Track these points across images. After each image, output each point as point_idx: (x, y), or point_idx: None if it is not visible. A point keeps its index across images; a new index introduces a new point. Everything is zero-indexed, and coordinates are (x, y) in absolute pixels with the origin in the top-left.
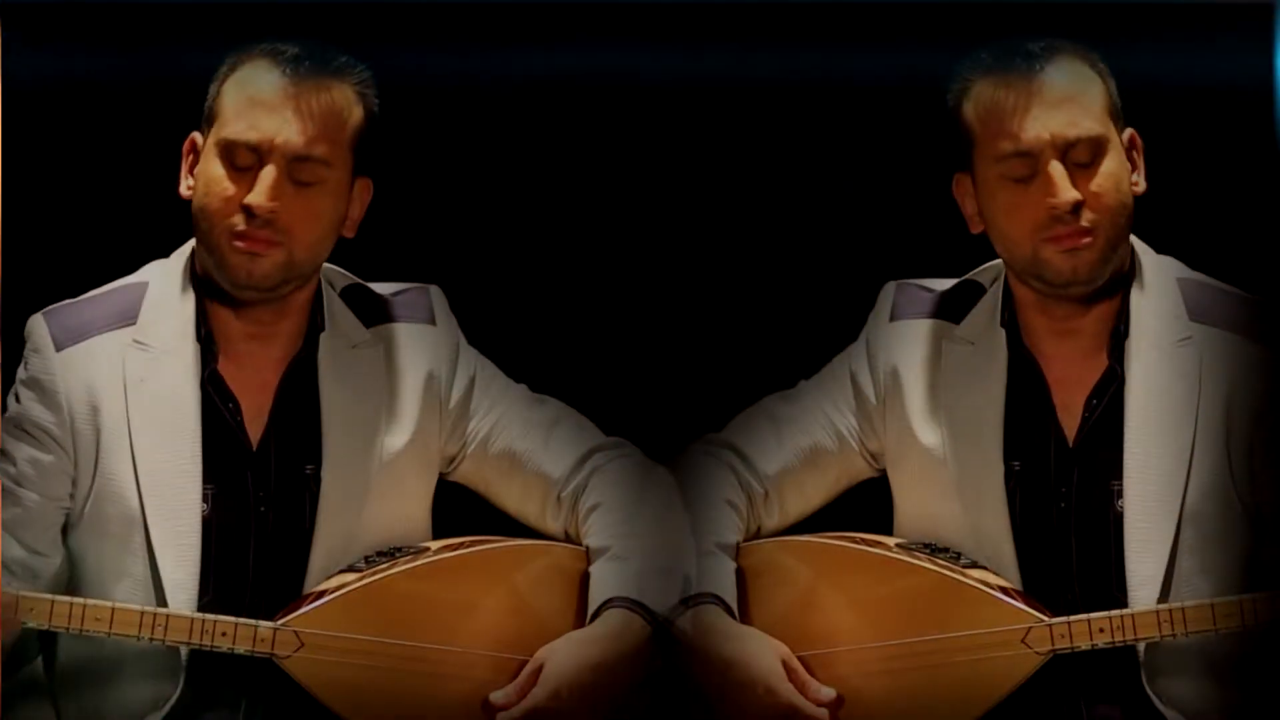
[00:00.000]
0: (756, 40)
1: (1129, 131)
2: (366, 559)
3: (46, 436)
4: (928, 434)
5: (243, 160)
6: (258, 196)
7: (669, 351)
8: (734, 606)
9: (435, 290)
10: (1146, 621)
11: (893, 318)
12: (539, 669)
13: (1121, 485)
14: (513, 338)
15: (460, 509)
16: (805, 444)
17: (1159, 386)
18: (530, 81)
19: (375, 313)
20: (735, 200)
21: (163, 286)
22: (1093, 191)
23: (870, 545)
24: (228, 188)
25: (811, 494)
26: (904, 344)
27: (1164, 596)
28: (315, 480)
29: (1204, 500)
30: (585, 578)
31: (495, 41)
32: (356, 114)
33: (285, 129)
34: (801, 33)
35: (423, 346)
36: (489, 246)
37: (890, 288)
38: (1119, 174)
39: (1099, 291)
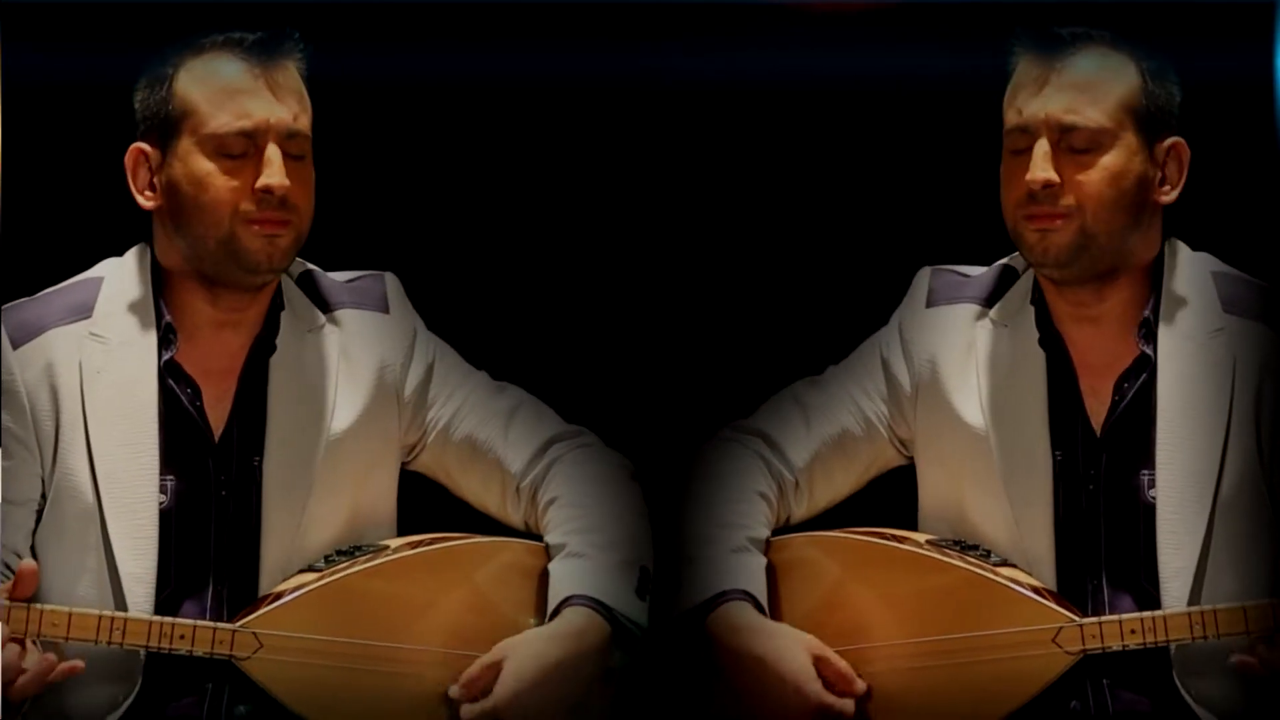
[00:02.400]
0: (769, 38)
1: (1171, 141)
2: (326, 558)
3: (11, 439)
4: (971, 421)
5: (236, 148)
6: (274, 177)
7: (695, 336)
8: (764, 603)
9: (390, 277)
10: (1178, 623)
11: (929, 304)
12: (497, 664)
13: (1153, 474)
14: (533, 329)
15: (426, 502)
16: (834, 431)
17: (1192, 376)
18: (503, 73)
19: (329, 300)
20: (757, 191)
21: (118, 280)
22: (1078, 179)
23: (901, 542)
24: (227, 179)
25: (840, 482)
26: (942, 330)
27: (1195, 590)
28: (260, 472)
29: (1237, 492)
30: (545, 574)
31: (458, 37)
32: (306, 91)
33: (274, 109)
34: (820, 30)
35: (375, 334)
36: (494, 240)
37: (925, 273)
38: (1121, 170)
39: (1107, 280)
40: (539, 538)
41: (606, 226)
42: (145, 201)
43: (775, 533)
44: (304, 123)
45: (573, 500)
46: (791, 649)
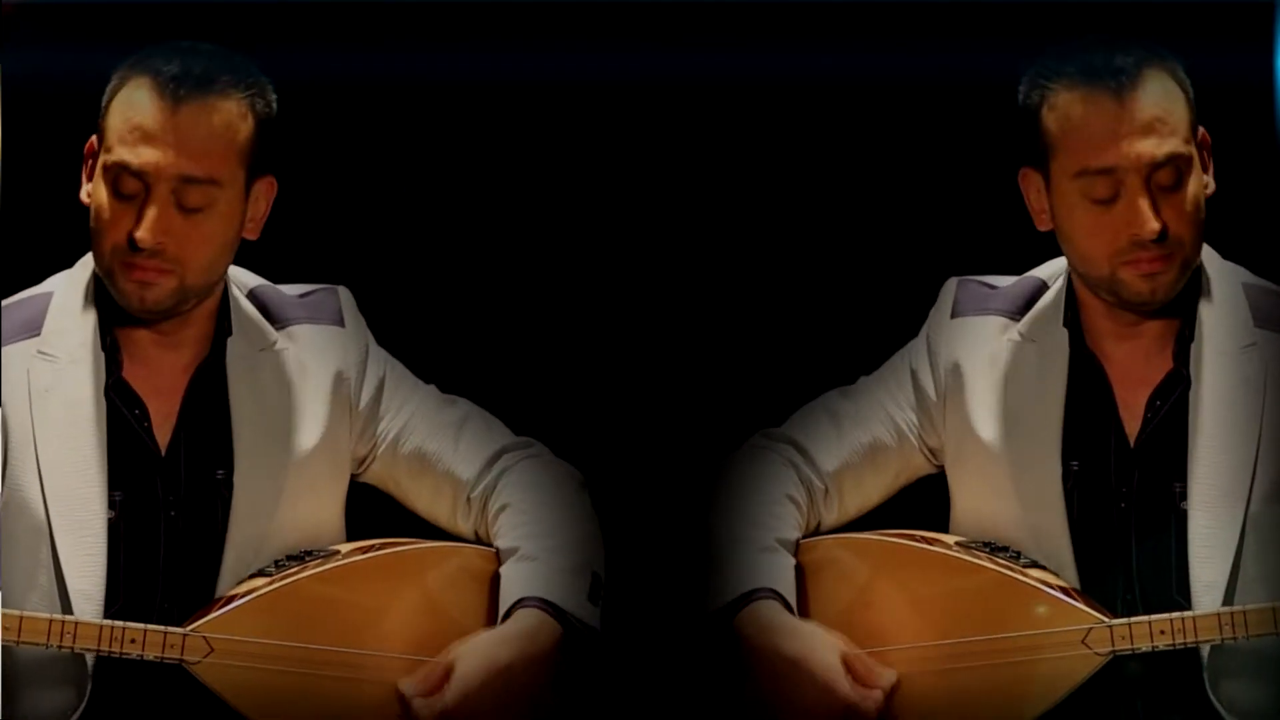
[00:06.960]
0: (788, 38)
1: (1199, 131)
2: (276, 563)
3: None
4: (987, 431)
5: (128, 188)
6: (143, 231)
7: (728, 345)
8: (792, 602)
9: (343, 291)
10: (1207, 624)
11: (954, 314)
12: (449, 666)
13: (1185, 487)
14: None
15: (374, 511)
16: (865, 440)
17: (1224, 391)
18: (455, 80)
19: (283, 315)
20: (795, 199)
21: (66, 296)
22: (1174, 215)
23: (930, 543)
24: (115, 216)
25: (871, 490)
26: (966, 340)
27: (1227, 603)
28: (227, 485)
29: (1268, 506)
30: (496, 579)
31: (416, 40)
32: (246, 127)
33: (168, 155)
34: (846, 30)
35: (331, 348)
36: (486, 251)
37: (951, 284)
38: (1199, 193)
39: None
40: (489, 545)
41: (606, 236)
42: (85, 197)
43: (805, 537)
44: (209, 171)
45: (524, 506)
46: (821, 648)
